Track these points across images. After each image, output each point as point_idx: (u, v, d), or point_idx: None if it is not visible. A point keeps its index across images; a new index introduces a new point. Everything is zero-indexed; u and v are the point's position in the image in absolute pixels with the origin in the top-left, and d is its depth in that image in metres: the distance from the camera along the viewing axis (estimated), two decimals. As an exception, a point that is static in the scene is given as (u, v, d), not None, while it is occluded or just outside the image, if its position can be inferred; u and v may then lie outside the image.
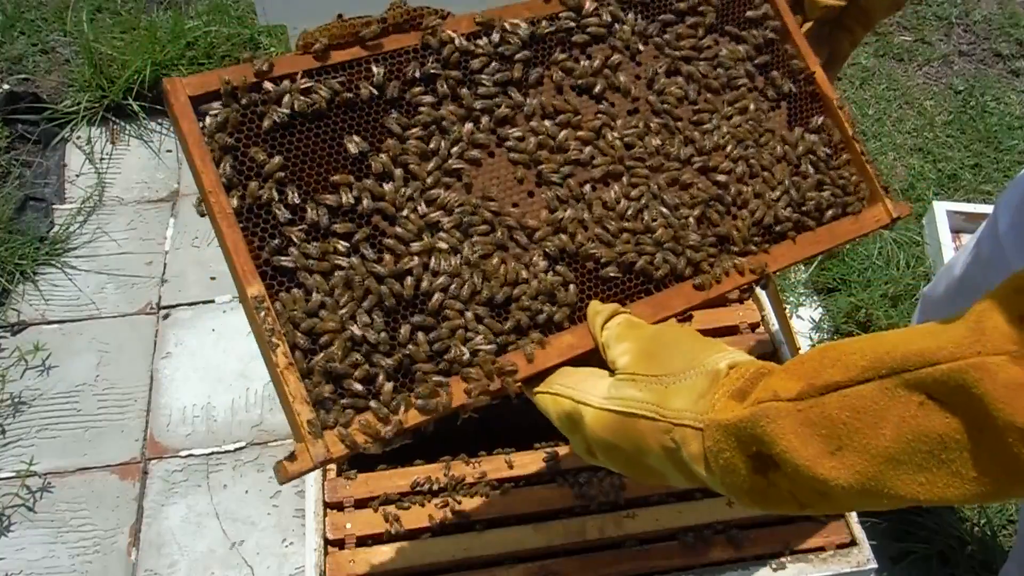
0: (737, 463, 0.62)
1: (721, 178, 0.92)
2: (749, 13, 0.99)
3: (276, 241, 0.76)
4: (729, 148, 0.94)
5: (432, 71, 0.85)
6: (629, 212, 0.87)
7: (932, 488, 0.56)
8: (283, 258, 0.76)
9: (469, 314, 0.79)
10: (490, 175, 0.86)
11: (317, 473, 1.20)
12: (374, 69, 0.83)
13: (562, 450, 1.23)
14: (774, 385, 0.62)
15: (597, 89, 0.91)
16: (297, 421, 0.71)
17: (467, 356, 0.78)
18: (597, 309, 0.81)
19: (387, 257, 0.78)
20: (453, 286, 0.80)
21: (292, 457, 0.70)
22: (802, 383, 0.60)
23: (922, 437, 0.55)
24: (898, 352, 0.56)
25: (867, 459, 0.57)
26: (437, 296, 0.79)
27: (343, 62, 0.82)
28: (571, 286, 0.83)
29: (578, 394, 0.74)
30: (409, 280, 0.78)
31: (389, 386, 0.75)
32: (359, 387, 0.74)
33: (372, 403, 0.74)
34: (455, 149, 0.84)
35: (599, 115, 0.90)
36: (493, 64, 0.87)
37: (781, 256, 0.93)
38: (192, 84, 0.77)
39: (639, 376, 0.70)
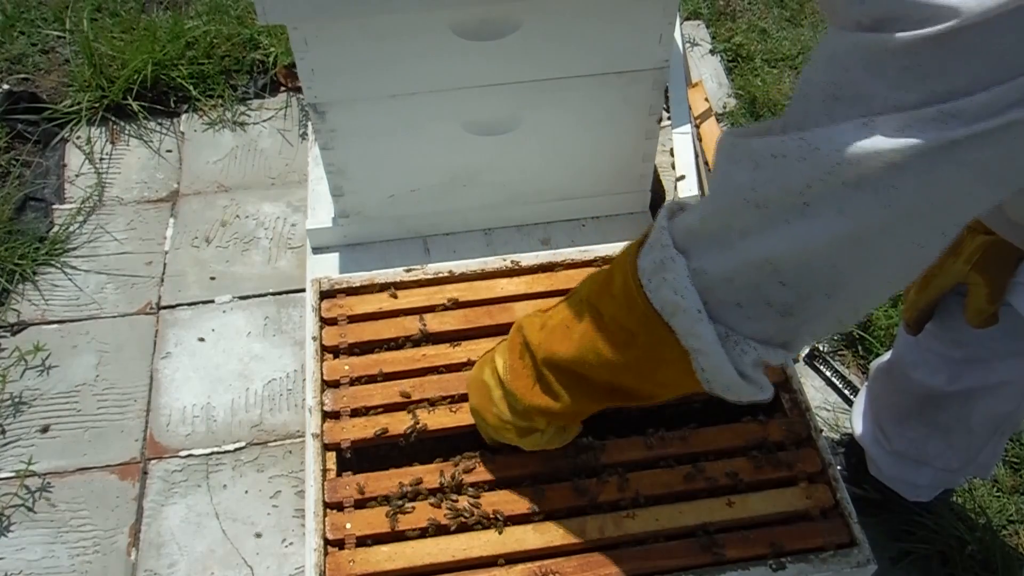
0: (516, 344, 1.04)
1: None
2: None
3: None
4: None
5: None
6: None
7: (561, 346, 0.96)
8: None
9: None
10: None
11: (317, 473, 1.20)
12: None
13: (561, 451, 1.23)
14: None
15: None
16: None
17: None
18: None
19: None
20: None
21: None
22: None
23: (567, 320, 0.97)
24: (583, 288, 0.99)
25: (545, 330, 1.00)
26: None
27: None
28: None
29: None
30: None
31: None
32: None
33: None
34: None
35: None
36: None
37: None
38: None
39: None
